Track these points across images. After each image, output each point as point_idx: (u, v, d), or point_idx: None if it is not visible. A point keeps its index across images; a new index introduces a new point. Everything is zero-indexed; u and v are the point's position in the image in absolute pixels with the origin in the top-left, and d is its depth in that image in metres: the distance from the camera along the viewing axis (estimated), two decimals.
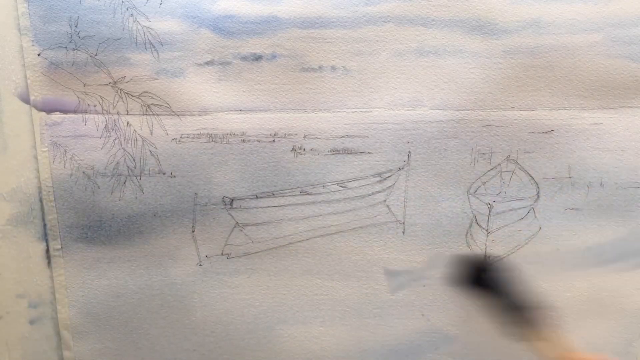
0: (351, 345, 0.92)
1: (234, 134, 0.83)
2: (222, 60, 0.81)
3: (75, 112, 0.82)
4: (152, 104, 0.82)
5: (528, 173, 0.86)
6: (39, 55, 0.80)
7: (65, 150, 0.83)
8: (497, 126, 0.84)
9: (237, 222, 0.87)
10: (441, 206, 0.87)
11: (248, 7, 0.79)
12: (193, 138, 0.83)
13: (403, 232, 0.88)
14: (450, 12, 0.80)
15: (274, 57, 0.81)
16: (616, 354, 0.92)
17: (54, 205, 0.85)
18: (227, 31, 0.80)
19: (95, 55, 0.80)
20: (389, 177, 0.86)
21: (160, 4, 0.78)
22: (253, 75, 0.81)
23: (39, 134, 0.83)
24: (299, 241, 0.88)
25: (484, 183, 0.87)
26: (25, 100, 0.82)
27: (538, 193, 0.87)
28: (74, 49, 0.80)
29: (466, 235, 0.89)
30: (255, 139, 0.84)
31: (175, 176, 0.85)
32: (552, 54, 0.81)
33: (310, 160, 0.85)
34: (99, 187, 0.85)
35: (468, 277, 0.88)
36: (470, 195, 0.87)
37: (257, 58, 0.81)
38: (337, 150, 0.85)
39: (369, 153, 0.85)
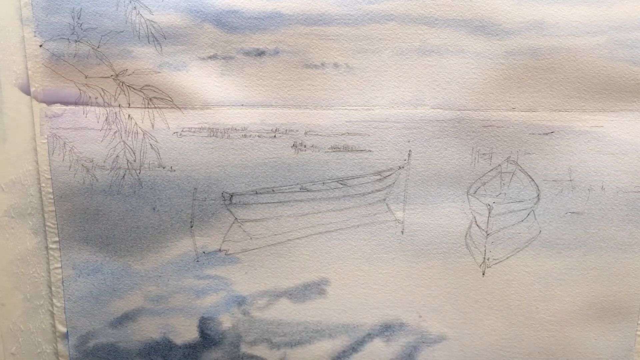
0: (347, 345, 0.92)
1: (235, 129, 0.83)
2: (225, 55, 0.81)
3: (76, 104, 0.82)
4: (154, 97, 0.82)
5: (528, 174, 0.86)
6: (40, 46, 0.79)
7: (64, 143, 0.83)
8: (497, 127, 0.84)
9: (236, 218, 0.86)
10: (441, 206, 0.87)
11: (252, 2, 0.79)
12: (194, 132, 0.83)
13: (402, 232, 0.88)
14: (453, 11, 0.80)
15: (276, 52, 0.81)
16: (615, 359, 0.92)
17: (52, 197, 0.85)
18: (231, 26, 0.80)
19: (98, 47, 0.80)
20: (389, 175, 0.86)
21: None
22: (255, 70, 0.81)
23: (39, 126, 0.82)
24: (298, 238, 0.88)
25: (484, 184, 0.87)
26: (26, 91, 0.82)
27: (538, 195, 0.87)
28: (76, 41, 0.79)
29: (465, 236, 0.88)
30: (257, 134, 0.83)
31: (175, 170, 0.84)
32: (555, 55, 0.81)
33: (311, 157, 0.85)
34: (97, 180, 0.84)
35: None
36: (470, 196, 0.87)
37: (260, 53, 0.81)
38: (338, 148, 0.84)
39: (370, 151, 0.85)
